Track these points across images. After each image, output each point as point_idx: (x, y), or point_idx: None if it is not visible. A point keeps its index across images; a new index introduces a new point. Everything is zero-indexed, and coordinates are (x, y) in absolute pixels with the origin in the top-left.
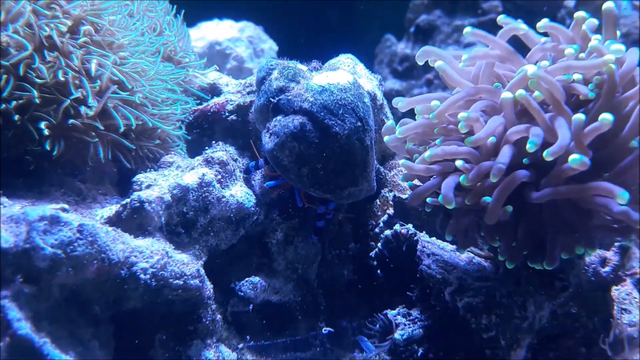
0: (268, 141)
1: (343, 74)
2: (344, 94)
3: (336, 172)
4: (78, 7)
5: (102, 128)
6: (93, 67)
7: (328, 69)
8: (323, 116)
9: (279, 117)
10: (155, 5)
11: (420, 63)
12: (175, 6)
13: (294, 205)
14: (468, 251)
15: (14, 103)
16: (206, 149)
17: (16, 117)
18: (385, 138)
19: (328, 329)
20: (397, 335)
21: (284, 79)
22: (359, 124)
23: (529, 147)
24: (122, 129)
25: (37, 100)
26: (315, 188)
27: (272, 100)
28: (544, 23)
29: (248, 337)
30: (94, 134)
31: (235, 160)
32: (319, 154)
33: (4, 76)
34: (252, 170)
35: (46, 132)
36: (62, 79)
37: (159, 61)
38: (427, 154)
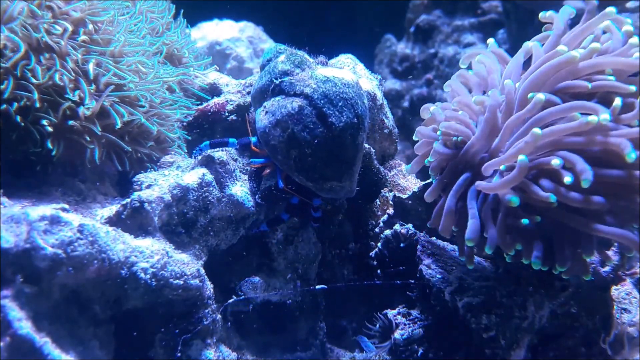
0: (262, 118)
1: (349, 73)
2: (346, 89)
3: (324, 162)
4: (78, 9)
5: (99, 130)
6: (91, 67)
7: (333, 67)
8: (322, 104)
9: (278, 98)
10: (157, 6)
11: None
12: (175, 7)
13: (276, 187)
14: None
15: (15, 105)
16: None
17: (18, 118)
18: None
19: (322, 286)
20: (397, 335)
21: (290, 64)
22: (355, 120)
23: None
24: (118, 126)
25: (38, 104)
26: (300, 173)
27: (275, 80)
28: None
29: (231, 324)
30: (89, 139)
31: (236, 160)
32: (311, 139)
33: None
34: (234, 145)
35: (49, 129)
36: (59, 81)
37: (156, 62)
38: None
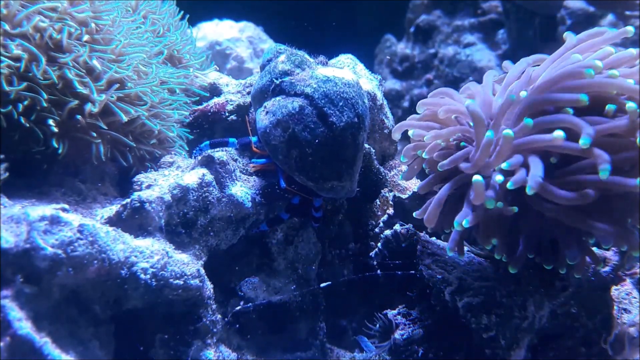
0: (263, 118)
1: (349, 72)
2: (347, 88)
3: (324, 162)
4: (82, 10)
5: (105, 127)
6: (95, 63)
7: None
8: (323, 104)
9: (278, 98)
10: (159, 6)
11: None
12: (177, 8)
13: (278, 187)
14: (468, 251)
15: (21, 106)
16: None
17: (22, 119)
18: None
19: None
20: (397, 335)
21: (291, 64)
22: (356, 120)
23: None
24: (125, 120)
25: (45, 104)
26: (301, 173)
27: (275, 81)
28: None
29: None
30: (95, 134)
31: (236, 160)
32: (312, 139)
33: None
34: (234, 145)
35: (55, 129)
36: (70, 76)
37: (155, 62)
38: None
